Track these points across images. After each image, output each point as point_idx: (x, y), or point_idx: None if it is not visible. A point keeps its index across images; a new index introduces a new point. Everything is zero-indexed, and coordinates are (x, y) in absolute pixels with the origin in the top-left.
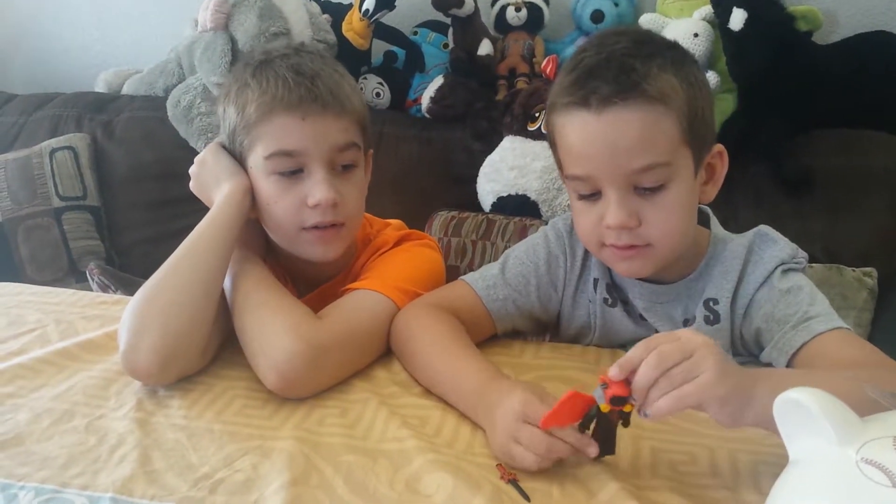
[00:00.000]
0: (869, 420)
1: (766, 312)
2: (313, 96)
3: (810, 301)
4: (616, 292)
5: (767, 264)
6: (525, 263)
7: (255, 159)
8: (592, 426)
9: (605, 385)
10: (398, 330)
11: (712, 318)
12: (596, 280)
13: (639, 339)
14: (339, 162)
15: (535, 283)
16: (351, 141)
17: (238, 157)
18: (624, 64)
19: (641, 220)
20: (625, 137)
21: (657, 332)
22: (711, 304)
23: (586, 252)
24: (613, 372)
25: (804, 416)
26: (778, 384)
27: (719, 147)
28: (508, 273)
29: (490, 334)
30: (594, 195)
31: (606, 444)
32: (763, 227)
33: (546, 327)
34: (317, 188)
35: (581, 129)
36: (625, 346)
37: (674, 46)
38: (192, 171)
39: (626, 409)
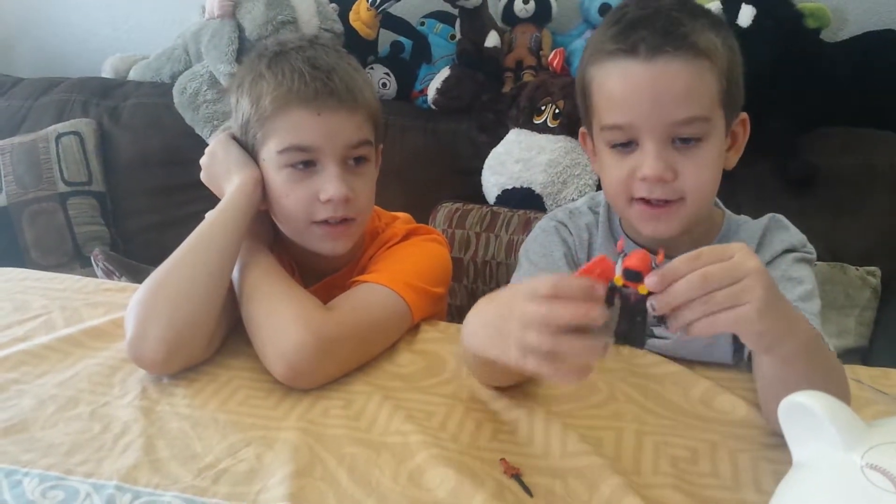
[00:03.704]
0: (874, 425)
1: None
2: (329, 91)
3: (803, 298)
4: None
5: (776, 247)
6: (545, 245)
7: (268, 152)
8: (616, 304)
9: (624, 255)
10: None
11: None
12: None
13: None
14: (352, 157)
15: (561, 252)
16: (364, 138)
17: (250, 149)
18: (671, 17)
19: (676, 173)
20: (671, 87)
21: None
22: None
23: (590, 238)
24: (652, 281)
25: (810, 419)
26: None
27: (743, 115)
28: (534, 260)
29: None
30: (629, 145)
31: (631, 332)
32: (777, 215)
33: None
34: (330, 184)
35: (626, 76)
36: None
37: (710, 12)
38: (202, 162)
39: (641, 290)
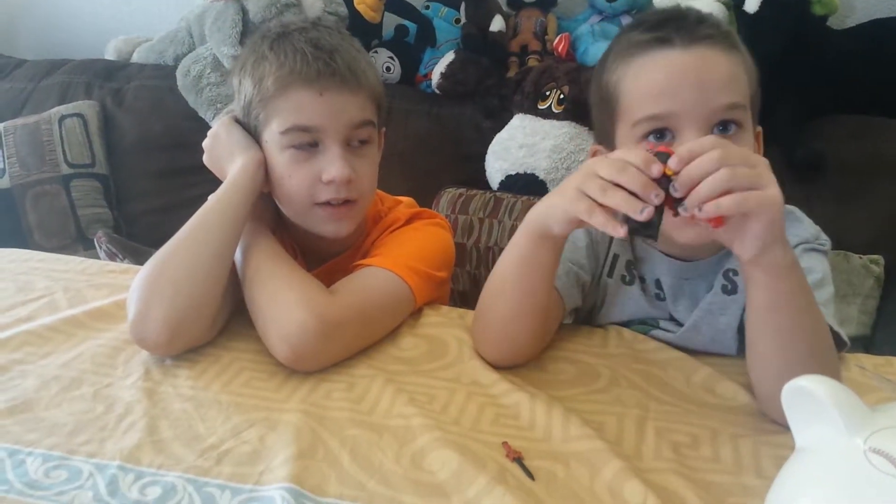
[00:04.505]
0: (878, 409)
1: None
2: (331, 71)
3: (813, 286)
4: (636, 269)
5: (790, 241)
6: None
7: (271, 133)
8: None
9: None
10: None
11: (730, 288)
12: (616, 256)
13: (648, 319)
14: (355, 138)
15: (584, 243)
16: (367, 118)
17: (252, 131)
18: (702, 15)
19: None
20: (713, 72)
21: (671, 313)
22: (731, 274)
23: None
24: (674, 160)
25: (813, 403)
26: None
27: (759, 128)
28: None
29: (562, 318)
30: (664, 136)
31: (648, 224)
32: (791, 207)
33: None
34: (332, 164)
35: (665, 64)
36: (628, 324)
37: None
38: (205, 144)
39: (667, 171)
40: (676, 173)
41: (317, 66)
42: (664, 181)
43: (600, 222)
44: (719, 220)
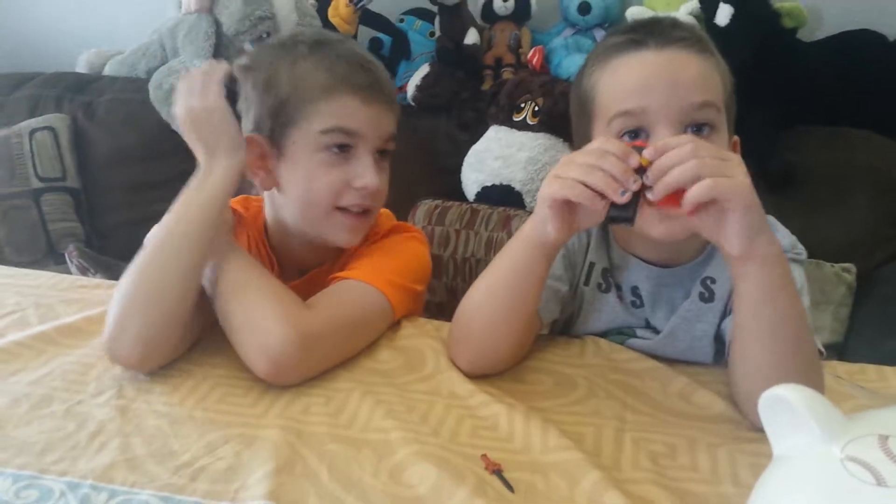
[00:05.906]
0: (853, 418)
1: None
2: (379, 84)
3: None
4: (612, 277)
5: None
6: None
7: (305, 134)
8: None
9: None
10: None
11: (707, 296)
12: (591, 265)
13: (625, 328)
14: (383, 148)
15: (561, 254)
16: (394, 132)
17: (269, 133)
18: (676, 22)
19: None
20: (685, 71)
21: (647, 320)
22: (709, 282)
23: (588, 242)
24: (649, 151)
25: (789, 412)
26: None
27: (735, 138)
28: None
29: (538, 332)
30: (639, 134)
31: (625, 206)
32: (768, 216)
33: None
34: (367, 172)
35: (639, 63)
36: (606, 334)
37: None
38: (193, 105)
39: (643, 161)
40: (651, 163)
41: (366, 77)
42: (641, 172)
43: (577, 194)
44: (693, 210)
